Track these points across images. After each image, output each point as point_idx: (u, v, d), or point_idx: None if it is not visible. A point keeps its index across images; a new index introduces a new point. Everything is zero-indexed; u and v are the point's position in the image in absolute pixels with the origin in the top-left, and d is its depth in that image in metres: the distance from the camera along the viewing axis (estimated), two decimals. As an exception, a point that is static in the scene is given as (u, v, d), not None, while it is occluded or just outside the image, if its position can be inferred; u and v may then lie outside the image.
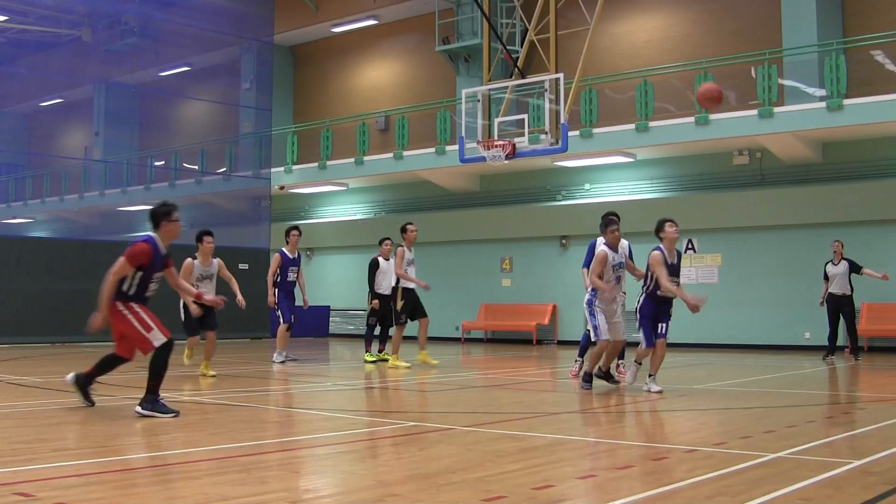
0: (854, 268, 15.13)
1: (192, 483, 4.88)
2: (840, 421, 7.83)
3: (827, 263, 15.41)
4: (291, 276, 14.05)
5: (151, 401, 7.62)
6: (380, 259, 14.44)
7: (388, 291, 14.08)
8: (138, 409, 7.60)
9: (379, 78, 28.04)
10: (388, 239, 14.77)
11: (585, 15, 15.72)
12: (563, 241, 22.11)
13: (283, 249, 14.07)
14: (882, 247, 18.12)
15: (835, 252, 15.33)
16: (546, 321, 22.03)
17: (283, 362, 13.96)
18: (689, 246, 20.34)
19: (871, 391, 10.96)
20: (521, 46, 16.52)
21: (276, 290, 13.83)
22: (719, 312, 19.65)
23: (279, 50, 28.45)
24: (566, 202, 22.12)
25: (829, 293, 15.23)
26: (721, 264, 20.03)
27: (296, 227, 14.41)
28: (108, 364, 8.13)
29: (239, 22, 26.20)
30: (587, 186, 22.06)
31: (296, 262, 14.16)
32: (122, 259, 7.73)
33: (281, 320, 13.89)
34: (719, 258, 20.05)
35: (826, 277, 15.32)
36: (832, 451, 6.09)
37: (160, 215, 7.94)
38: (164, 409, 7.58)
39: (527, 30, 16.40)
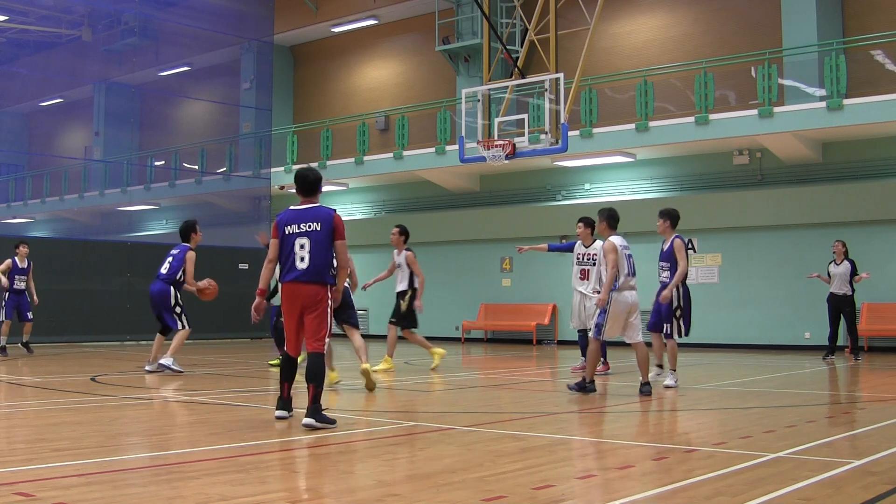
0: (854, 270, 15.17)
1: (192, 483, 4.88)
2: (840, 421, 7.83)
3: (830, 263, 15.47)
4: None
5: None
6: None
7: None
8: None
9: (379, 78, 28.05)
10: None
11: (585, 15, 15.73)
12: (563, 241, 22.09)
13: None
14: (882, 247, 18.13)
15: (836, 252, 15.36)
16: (546, 321, 22.04)
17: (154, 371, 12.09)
18: (689, 246, 20.31)
19: (871, 391, 10.96)
20: (521, 46, 16.52)
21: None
22: (719, 312, 19.66)
23: (279, 50, 28.45)
24: (566, 202, 22.11)
25: (830, 293, 15.28)
26: (721, 264, 20.03)
27: None
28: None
29: (239, 22, 26.21)
30: (587, 186, 22.06)
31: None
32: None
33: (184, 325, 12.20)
34: (719, 258, 20.05)
35: (828, 276, 15.41)
36: (832, 451, 6.09)
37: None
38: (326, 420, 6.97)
39: (527, 30, 16.39)
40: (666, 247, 10.43)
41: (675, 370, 10.34)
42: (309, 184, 7.37)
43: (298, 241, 7.10)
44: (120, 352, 17.04)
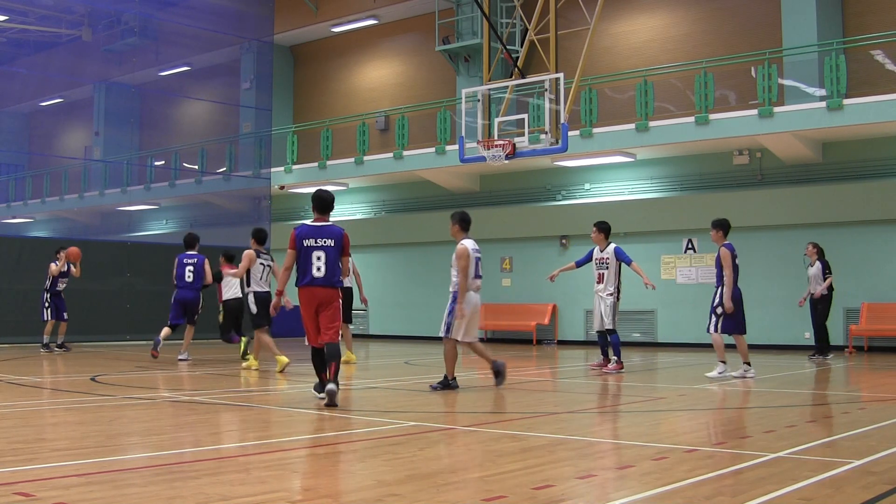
0: (825, 270, 15.29)
1: (192, 483, 4.88)
2: (840, 421, 7.83)
3: (806, 266, 15.66)
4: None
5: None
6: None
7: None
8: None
9: (379, 78, 28.04)
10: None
11: (585, 15, 15.73)
12: (563, 241, 22.10)
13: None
14: (882, 247, 18.13)
15: (808, 254, 15.50)
16: (546, 321, 22.03)
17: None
18: (689, 246, 20.34)
19: (871, 391, 10.96)
20: (521, 46, 16.52)
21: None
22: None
23: (279, 50, 28.45)
24: (566, 202, 22.11)
25: (810, 294, 15.49)
26: (721, 264, 20.00)
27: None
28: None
29: (239, 22, 26.20)
30: (587, 186, 22.06)
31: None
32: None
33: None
34: (719, 258, 20.03)
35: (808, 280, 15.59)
36: (832, 451, 6.09)
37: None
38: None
39: (527, 30, 16.39)
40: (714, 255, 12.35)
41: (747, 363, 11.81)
42: (326, 203, 8.87)
43: (315, 254, 8.50)
44: (120, 352, 17.04)
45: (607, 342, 12.92)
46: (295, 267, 8.59)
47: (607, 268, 12.71)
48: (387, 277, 24.58)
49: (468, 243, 9.84)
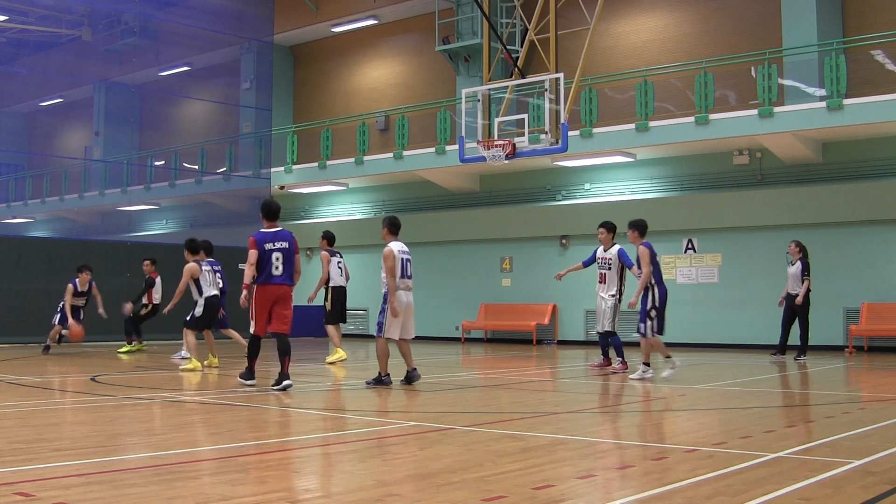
0: (804, 271, 15.10)
1: (192, 483, 4.88)
2: (840, 421, 7.83)
3: (788, 264, 15.49)
4: None
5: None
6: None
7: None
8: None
9: (379, 78, 28.05)
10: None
11: (585, 15, 15.73)
12: (563, 241, 22.11)
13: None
14: (882, 247, 18.13)
15: (790, 252, 15.39)
16: (546, 321, 22.03)
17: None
18: (689, 246, 20.34)
19: (871, 391, 10.96)
20: (521, 46, 16.51)
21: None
22: (719, 312, 19.67)
23: (279, 50, 28.45)
24: (566, 202, 22.12)
25: (787, 293, 15.29)
26: (721, 264, 20.03)
27: None
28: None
29: (239, 22, 26.20)
30: (587, 186, 22.06)
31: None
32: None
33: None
34: (719, 258, 20.05)
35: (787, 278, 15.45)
36: (832, 450, 6.09)
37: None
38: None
39: (527, 30, 16.39)
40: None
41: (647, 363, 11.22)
42: (274, 212, 10.19)
43: (274, 255, 9.89)
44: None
45: (608, 343, 12.93)
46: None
47: (609, 269, 12.69)
48: (387, 277, 24.58)
49: (394, 245, 10.29)
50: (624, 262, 12.60)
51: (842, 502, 4.51)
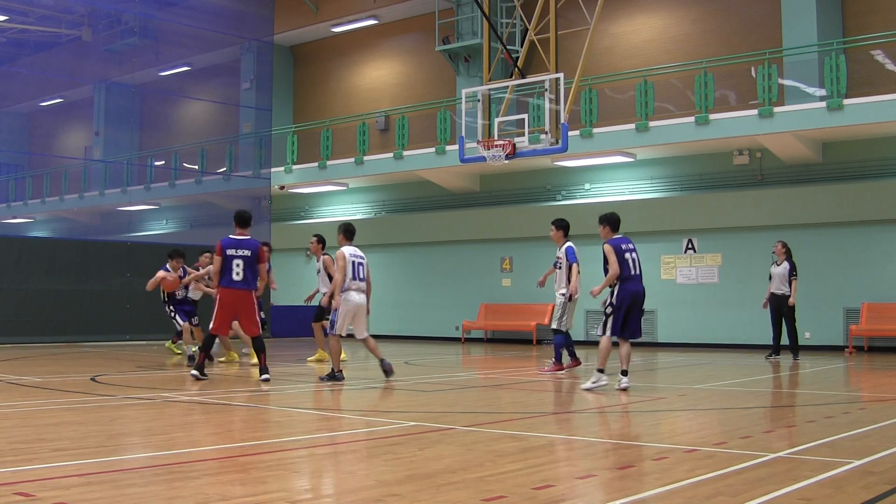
0: (792, 271, 15.10)
1: (192, 483, 4.88)
2: (840, 421, 7.83)
3: (772, 264, 15.47)
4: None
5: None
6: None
7: None
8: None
9: (379, 78, 28.04)
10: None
11: (585, 15, 15.72)
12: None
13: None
14: (882, 247, 18.13)
15: (776, 252, 15.38)
16: (546, 321, 21.99)
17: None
18: (689, 246, 20.34)
19: (871, 391, 10.96)
20: (521, 46, 16.52)
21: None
22: (719, 312, 19.66)
23: (279, 50, 28.45)
24: (566, 202, 22.11)
25: (771, 293, 15.28)
26: (721, 264, 20.02)
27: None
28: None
29: (239, 22, 26.20)
30: (587, 186, 22.06)
31: None
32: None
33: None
34: (719, 258, 20.05)
35: (770, 278, 15.40)
36: (832, 451, 6.09)
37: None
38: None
39: (527, 30, 16.39)
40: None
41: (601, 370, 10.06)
42: (244, 220, 10.81)
43: (235, 261, 10.50)
44: (120, 352, 17.03)
45: (571, 342, 12.61)
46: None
47: (560, 267, 12.35)
48: (386, 277, 24.56)
49: (347, 249, 10.80)
50: (570, 260, 12.27)
51: (842, 502, 4.51)
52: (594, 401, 9.23)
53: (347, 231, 11.12)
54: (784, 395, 10.23)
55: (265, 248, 12.13)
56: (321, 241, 14.24)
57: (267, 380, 10.58)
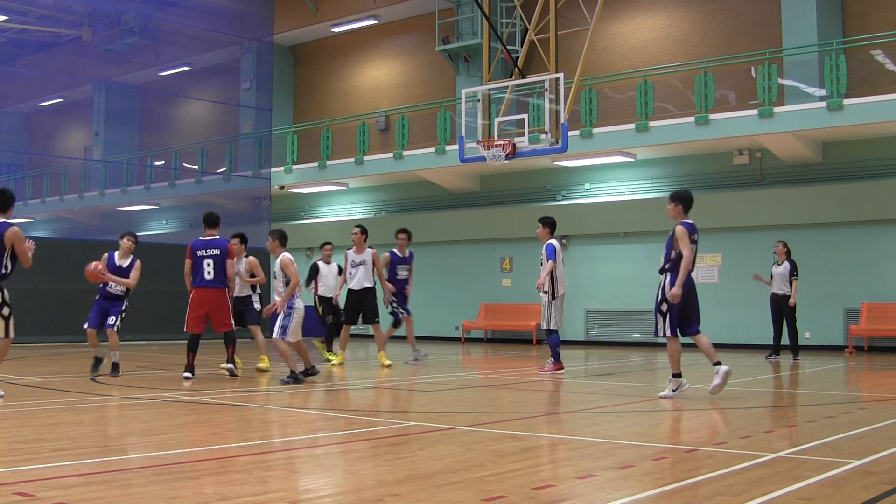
0: (793, 271, 15.14)
1: (192, 483, 4.88)
2: (840, 421, 7.83)
3: (773, 264, 15.52)
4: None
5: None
6: (320, 263, 15.15)
7: (331, 293, 14.89)
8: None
9: (379, 78, 28.04)
10: (329, 243, 15.59)
11: (585, 15, 15.73)
12: (564, 241, 22.07)
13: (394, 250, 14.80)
14: (882, 247, 18.13)
15: (777, 252, 15.42)
16: (545, 321, 22.01)
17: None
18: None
19: (871, 391, 10.96)
20: (521, 46, 16.51)
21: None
22: (719, 312, 19.65)
23: (279, 50, 28.44)
24: (566, 202, 22.11)
25: (772, 293, 15.33)
26: (721, 264, 20.02)
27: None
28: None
29: (239, 22, 26.19)
30: (587, 186, 22.06)
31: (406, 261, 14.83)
32: None
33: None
34: (719, 258, 20.04)
35: (770, 277, 15.44)
36: (832, 450, 6.09)
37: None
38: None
39: (527, 30, 16.39)
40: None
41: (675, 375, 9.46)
42: (212, 221, 11.27)
43: (206, 261, 10.96)
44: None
45: (559, 342, 12.54)
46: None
47: (542, 265, 12.31)
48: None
49: (289, 255, 10.87)
50: (549, 257, 12.22)
51: (842, 502, 4.51)
52: (594, 401, 9.22)
53: (282, 237, 11.13)
54: (784, 395, 10.23)
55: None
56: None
57: (231, 370, 11.25)
